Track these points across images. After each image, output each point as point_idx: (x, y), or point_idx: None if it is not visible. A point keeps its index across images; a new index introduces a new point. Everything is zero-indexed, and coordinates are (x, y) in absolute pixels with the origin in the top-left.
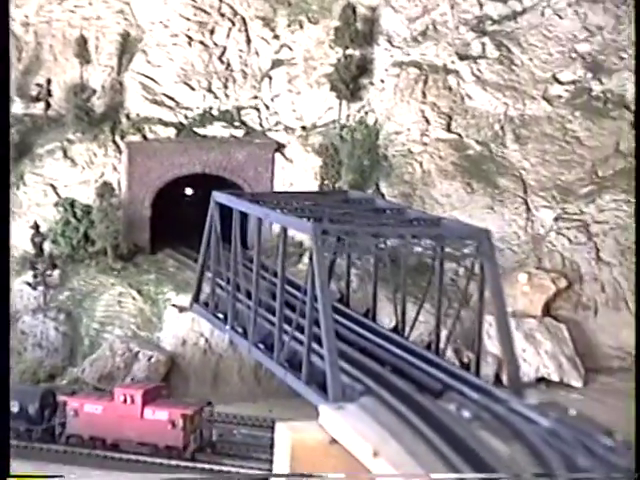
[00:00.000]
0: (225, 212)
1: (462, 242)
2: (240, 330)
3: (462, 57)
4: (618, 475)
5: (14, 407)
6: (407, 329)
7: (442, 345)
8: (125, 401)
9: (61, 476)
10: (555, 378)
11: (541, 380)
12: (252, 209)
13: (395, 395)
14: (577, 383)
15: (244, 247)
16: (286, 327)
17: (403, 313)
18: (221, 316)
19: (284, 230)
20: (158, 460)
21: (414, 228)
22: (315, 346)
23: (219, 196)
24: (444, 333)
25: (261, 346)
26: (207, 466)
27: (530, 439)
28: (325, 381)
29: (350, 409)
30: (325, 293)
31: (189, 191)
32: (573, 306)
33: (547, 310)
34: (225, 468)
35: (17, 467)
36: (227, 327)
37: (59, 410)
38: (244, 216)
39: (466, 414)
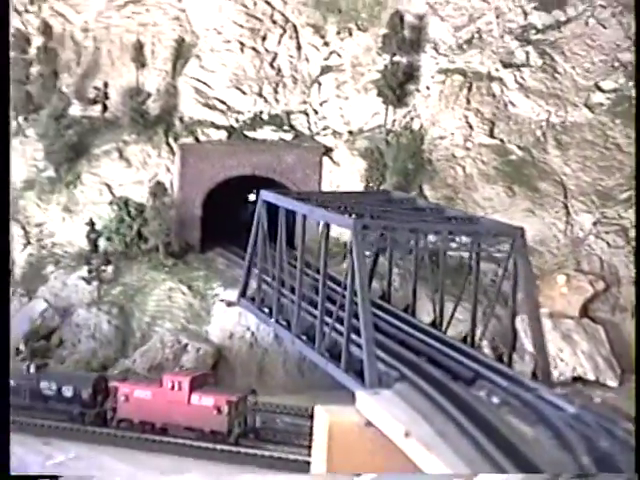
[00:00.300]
0: (272, 211)
1: (497, 239)
2: (284, 323)
3: (506, 65)
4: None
5: (68, 392)
6: (444, 324)
7: (477, 339)
8: (173, 387)
9: (60, 476)
10: (591, 377)
11: (577, 379)
12: (297, 206)
13: (428, 382)
14: (613, 383)
15: (290, 247)
16: (327, 319)
17: (441, 309)
18: (267, 310)
19: (327, 226)
20: (204, 444)
21: (451, 225)
22: (354, 337)
23: (266, 195)
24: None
25: (304, 338)
26: (250, 451)
27: (554, 422)
28: (362, 369)
29: (385, 394)
30: (364, 286)
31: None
32: (611, 308)
33: (585, 312)
34: (267, 453)
35: (70, 447)
36: (272, 320)
37: (111, 395)
38: (290, 214)
39: (495, 400)
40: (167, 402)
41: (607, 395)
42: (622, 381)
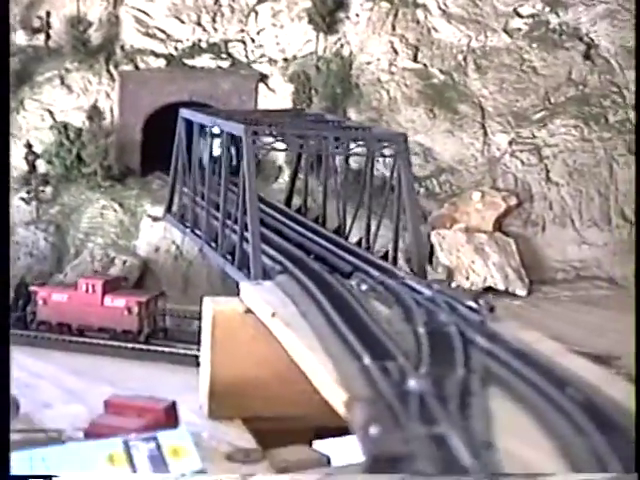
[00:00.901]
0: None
1: (381, 144)
2: (198, 232)
3: None
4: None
5: None
6: (347, 230)
7: (370, 239)
8: (87, 290)
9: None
10: (501, 287)
11: (489, 289)
12: (204, 119)
13: (306, 273)
14: (521, 292)
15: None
16: (229, 223)
17: (344, 217)
18: (187, 223)
19: (231, 136)
20: (116, 343)
21: (338, 131)
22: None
23: (184, 112)
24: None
25: (212, 244)
26: (159, 348)
27: (406, 302)
28: (248, 263)
29: (265, 285)
30: (251, 186)
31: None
32: (523, 223)
33: (499, 226)
34: (175, 350)
35: None
36: (187, 230)
37: (31, 300)
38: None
39: (363, 287)
40: (82, 304)
41: (515, 303)
42: (531, 291)
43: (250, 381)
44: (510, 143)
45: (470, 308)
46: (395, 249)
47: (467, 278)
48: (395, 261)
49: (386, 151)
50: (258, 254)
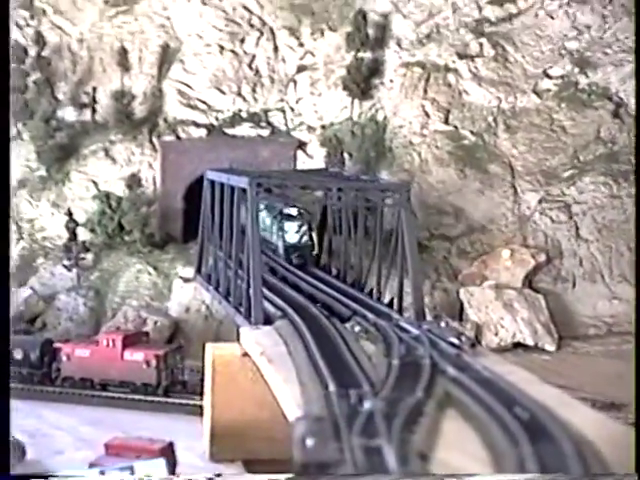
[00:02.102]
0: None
1: (384, 194)
2: (219, 289)
3: (461, 56)
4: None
5: (18, 354)
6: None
7: (381, 288)
8: (108, 345)
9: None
10: (530, 342)
11: (518, 345)
12: (219, 177)
13: (304, 318)
14: (550, 347)
15: None
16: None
17: (345, 262)
18: (212, 282)
19: (243, 191)
20: (137, 397)
21: (340, 182)
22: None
23: (210, 173)
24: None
25: (228, 298)
26: (177, 400)
27: (389, 339)
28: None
29: (264, 329)
30: (254, 235)
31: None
32: (553, 279)
33: (529, 283)
34: (192, 402)
35: (20, 406)
36: (211, 287)
37: (57, 356)
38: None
39: (357, 328)
40: (103, 359)
41: (543, 357)
42: (560, 346)
43: (250, 423)
44: (540, 201)
45: (451, 344)
46: (400, 296)
47: (496, 334)
48: (400, 307)
49: (388, 201)
50: (259, 300)
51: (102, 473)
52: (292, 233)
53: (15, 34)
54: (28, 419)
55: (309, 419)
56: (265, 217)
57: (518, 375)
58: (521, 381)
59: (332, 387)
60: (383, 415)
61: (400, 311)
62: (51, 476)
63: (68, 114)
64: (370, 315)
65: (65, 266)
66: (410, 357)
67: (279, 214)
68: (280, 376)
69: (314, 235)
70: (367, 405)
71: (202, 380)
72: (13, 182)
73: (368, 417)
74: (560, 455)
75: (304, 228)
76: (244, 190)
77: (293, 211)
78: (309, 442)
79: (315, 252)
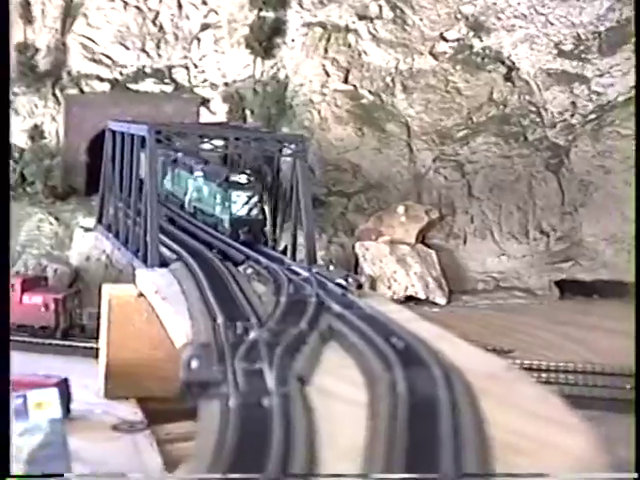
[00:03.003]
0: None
1: (281, 144)
2: (118, 237)
3: (361, 17)
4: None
5: None
6: None
7: (276, 236)
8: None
9: (61, 475)
10: (422, 296)
11: (410, 298)
12: (122, 127)
13: (198, 261)
14: (441, 301)
15: None
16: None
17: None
18: (112, 231)
19: (141, 139)
20: (35, 339)
21: (238, 132)
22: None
23: (112, 124)
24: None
25: (126, 245)
26: (75, 343)
27: (279, 280)
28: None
29: (159, 271)
30: (152, 183)
31: None
32: (445, 235)
33: (422, 239)
34: (90, 345)
35: None
36: (110, 235)
37: None
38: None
39: (249, 271)
40: None
41: (434, 310)
42: (449, 300)
43: (144, 362)
44: (434, 160)
45: (338, 284)
46: (293, 243)
47: (389, 287)
48: (294, 253)
49: (285, 151)
50: (155, 245)
51: None
52: (240, 205)
53: None
54: None
55: (195, 344)
56: (203, 185)
57: (400, 314)
58: (402, 318)
59: (220, 319)
60: (266, 343)
61: (294, 258)
62: (53, 476)
63: None
64: (263, 259)
65: None
66: (298, 296)
67: (225, 181)
68: (172, 310)
69: (266, 208)
70: (252, 335)
71: (97, 322)
72: None
73: (252, 345)
74: (429, 378)
75: (254, 199)
76: (144, 139)
77: (242, 178)
78: (194, 364)
79: (266, 228)
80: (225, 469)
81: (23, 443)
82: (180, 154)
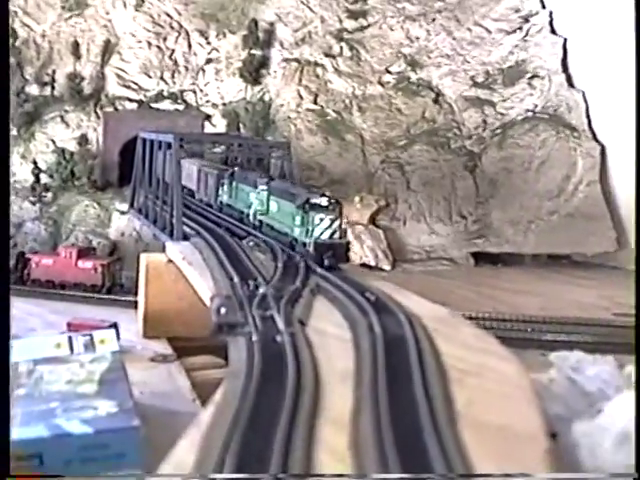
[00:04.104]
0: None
1: (272, 149)
2: (148, 218)
3: (327, 55)
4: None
5: None
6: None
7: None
8: (66, 256)
9: (61, 476)
10: (373, 264)
11: (363, 265)
12: (151, 136)
13: (212, 236)
14: (387, 267)
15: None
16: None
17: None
18: (142, 214)
19: (167, 145)
20: (87, 294)
21: (241, 139)
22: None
23: (142, 133)
24: None
25: (154, 224)
26: (117, 297)
27: (275, 250)
28: (172, 230)
29: (183, 243)
30: (177, 180)
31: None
32: (390, 219)
33: (373, 221)
34: (128, 299)
35: None
36: (141, 216)
37: (27, 264)
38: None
39: (250, 243)
40: (62, 266)
41: (382, 274)
42: (393, 267)
43: (172, 310)
44: (381, 162)
45: None
46: None
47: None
48: None
49: (274, 154)
50: (179, 225)
51: (69, 337)
52: (322, 228)
53: None
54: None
55: (221, 296)
56: (272, 201)
57: (367, 277)
58: (369, 280)
59: (236, 279)
60: (273, 296)
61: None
62: (54, 476)
63: (33, 90)
64: (260, 235)
65: (30, 202)
66: (290, 262)
67: (306, 204)
68: (197, 272)
69: (349, 231)
70: (261, 290)
71: (136, 283)
72: None
73: (262, 297)
74: (397, 321)
75: (337, 223)
76: (169, 144)
77: (323, 201)
78: (222, 310)
79: (349, 251)
80: (256, 382)
81: (94, 368)
82: (237, 169)
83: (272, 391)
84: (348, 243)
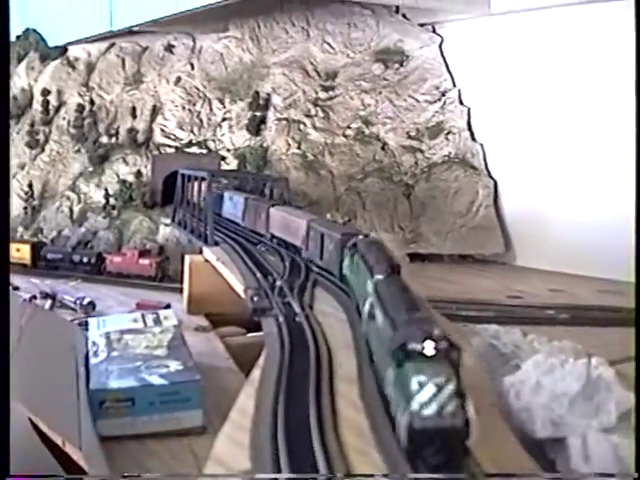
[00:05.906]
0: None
1: (274, 183)
2: (186, 230)
3: (307, 116)
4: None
5: (85, 259)
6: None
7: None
8: (130, 255)
9: (61, 476)
10: None
11: None
12: (190, 172)
13: (235, 243)
14: None
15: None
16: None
17: None
18: (182, 226)
19: (201, 179)
20: (146, 282)
21: (254, 176)
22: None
23: (181, 170)
24: None
25: (192, 234)
26: (164, 284)
27: (281, 253)
28: (207, 238)
29: (214, 248)
30: (210, 207)
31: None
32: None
33: None
34: (174, 285)
35: (86, 286)
36: (181, 228)
37: (105, 261)
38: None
39: (263, 249)
40: (128, 263)
41: None
42: None
43: (207, 295)
44: (346, 190)
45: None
46: None
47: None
48: None
49: (276, 186)
50: (212, 234)
51: (142, 314)
52: (424, 397)
53: (78, 99)
54: (90, 292)
55: (252, 288)
56: (376, 309)
57: None
58: None
59: (259, 275)
60: (287, 288)
61: None
62: (54, 476)
63: (104, 139)
64: (270, 244)
65: (103, 217)
66: (294, 263)
67: (400, 350)
68: (228, 269)
69: (469, 403)
70: (278, 283)
71: (181, 274)
72: (77, 174)
73: (280, 288)
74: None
75: (450, 387)
76: (203, 178)
77: (427, 348)
78: (255, 299)
79: (468, 440)
80: (287, 351)
81: (163, 337)
82: (361, 246)
83: (299, 357)
84: (468, 426)
